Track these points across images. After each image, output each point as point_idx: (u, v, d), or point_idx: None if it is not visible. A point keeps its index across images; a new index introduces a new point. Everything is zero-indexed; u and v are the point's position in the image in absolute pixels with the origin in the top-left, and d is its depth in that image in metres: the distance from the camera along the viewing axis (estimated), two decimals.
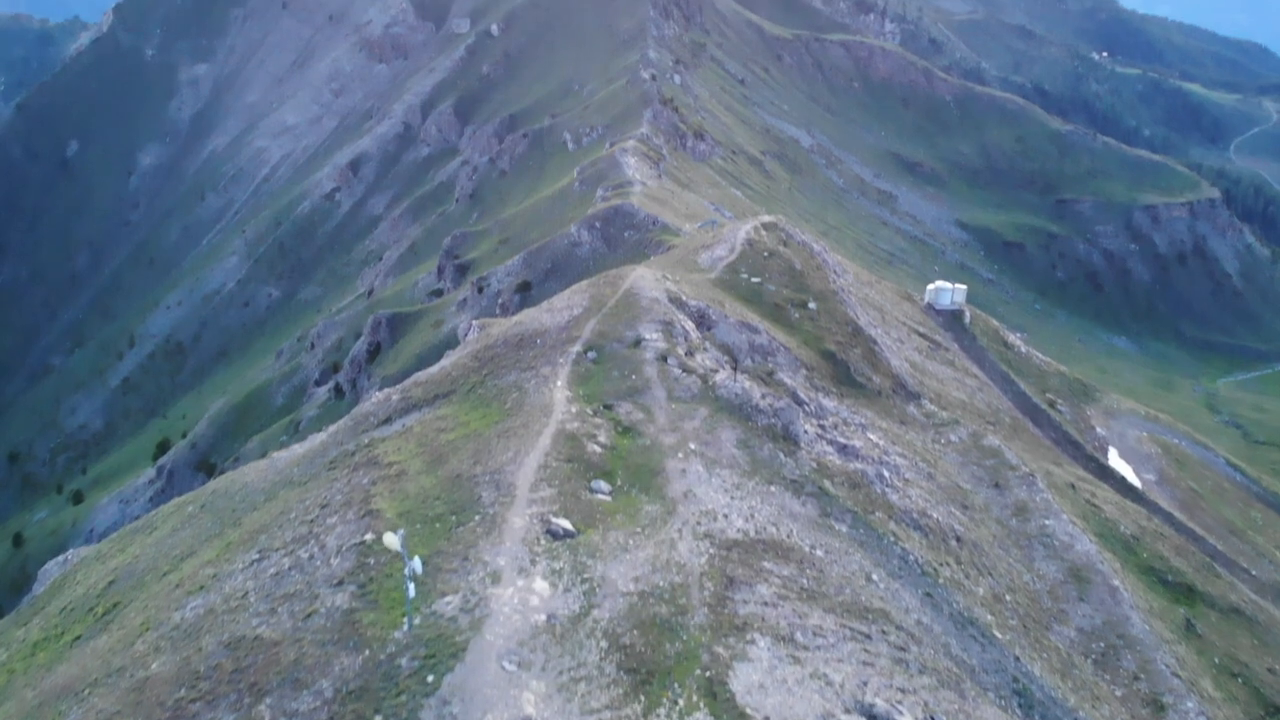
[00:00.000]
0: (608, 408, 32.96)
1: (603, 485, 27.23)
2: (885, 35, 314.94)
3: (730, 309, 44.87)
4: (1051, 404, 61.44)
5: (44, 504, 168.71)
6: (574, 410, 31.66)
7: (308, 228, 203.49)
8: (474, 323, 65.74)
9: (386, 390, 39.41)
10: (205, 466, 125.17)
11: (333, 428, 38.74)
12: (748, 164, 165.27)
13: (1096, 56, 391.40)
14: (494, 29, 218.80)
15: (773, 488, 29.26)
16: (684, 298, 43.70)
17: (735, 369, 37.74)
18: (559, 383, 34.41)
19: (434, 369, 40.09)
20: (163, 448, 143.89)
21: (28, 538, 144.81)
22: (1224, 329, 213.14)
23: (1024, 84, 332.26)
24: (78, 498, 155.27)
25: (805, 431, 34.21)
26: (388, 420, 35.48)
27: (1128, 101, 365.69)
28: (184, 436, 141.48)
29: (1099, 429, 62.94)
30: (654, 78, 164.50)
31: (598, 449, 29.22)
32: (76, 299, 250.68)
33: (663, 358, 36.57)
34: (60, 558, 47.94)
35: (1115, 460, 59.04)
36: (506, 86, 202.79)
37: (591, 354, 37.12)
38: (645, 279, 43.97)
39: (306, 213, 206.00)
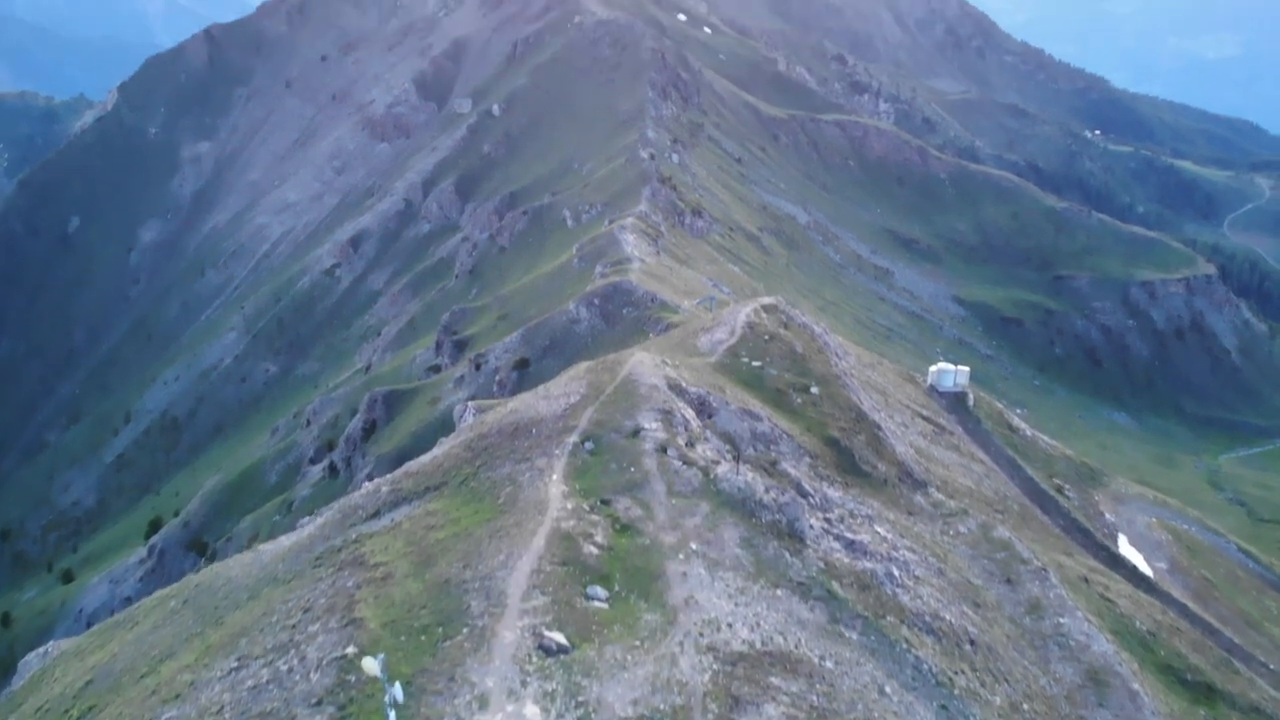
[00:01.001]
0: (605, 503, 31.62)
1: (599, 591, 25.81)
2: (879, 115, 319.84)
3: (731, 395, 43.87)
4: (1059, 489, 60.16)
5: (34, 582, 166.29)
6: (570, 507, 30.39)
7: (307, 303, 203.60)
8: (469, 404, 64.86)
9: (376, 481, 38.21)
10: (197, 546, 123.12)
11: (320, 519, 37.44)
12: (745, 240, 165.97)
13: (1089, 134, 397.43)
14: (495, 109, 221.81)
15: (779, 591, 27.94)
16: (684, 384, 42.70)
17: (738, 460, 36.61)
18: (554, 476, 33.17)
19: (425, 458, 38.91)
20: (155, 526, 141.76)
21: (16, 618, 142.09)
22: (1224, 404, 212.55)
23: (1018, 161, 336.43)
24: (68, 576, 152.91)
25: (811, 527, 32.95)
26: (376, 514, 34.22)
27: (1121, 178, 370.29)
28: (176, 514, 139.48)
29: (1108, 515, 61.57)
30: (652, 156, 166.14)
31: (594, 550, 27.90)
32: (74, 374, 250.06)
33: (662, 448, 35.43)
34: (41, 650, 46.53)
35: (1125, 548, 57.60)
36: (507, 164, 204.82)
37: (589, 444, 35.96)
38: (644, 364, 43.06)
39: (306, 288, 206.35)
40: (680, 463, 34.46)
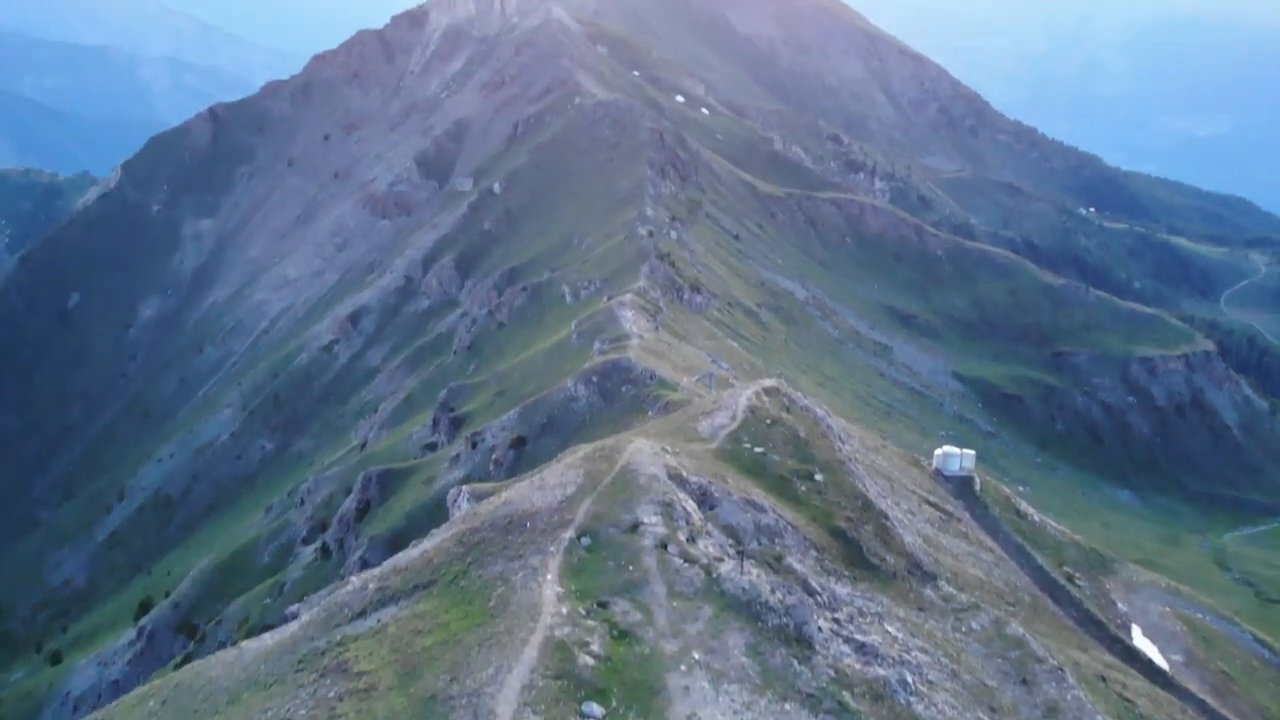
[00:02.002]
0: (602, 606, 30.12)
1: (595, 709, 24.25)
2: (875, 192, 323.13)
3: (734, 484, 42.52)
4: (1070, 578, 58.46)
5: (22, 663, 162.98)
6: (564, 611, 28.88)
7: (304, 380, 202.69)
8: (463, 490, 63.41)
9: (364, 577, 36.65)
10: (187, 629, 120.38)
11: (305, 618, 35.83)
12: (744, 316, 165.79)
13: (1084, 211, 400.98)
14: (496, 187, 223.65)
15: (788, 705, 26.37)
16: (684, 474, 41.37)
17: (741, 556, 35.17)
18: (549, 576, 31.65)
19: (414, 552, 37.42)
20: (145, 607, 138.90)
21: (3, 700, 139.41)
22: (1227, 482, 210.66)
23: (1014, 238, 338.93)
24: (56, 658, 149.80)
25: (820, 629, 31.43)
26: (363, 613, 32.65)
27: (1117, 255, 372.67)
28: (167, 595, 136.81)
29: (1120, 604, 59.78)
30: (651, 233, 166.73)
31: (590, 661, 26.37)
32: (68, 451, 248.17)
33: (663, 544, 33.99)
34: None
35: (1139, 639, 55.75)
36: (507, 241, 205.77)
37: (585, 540, 34.50)
38: (643, 452, 41.79)
39: (304, 365, 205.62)
40: (681, 560, 33.04)
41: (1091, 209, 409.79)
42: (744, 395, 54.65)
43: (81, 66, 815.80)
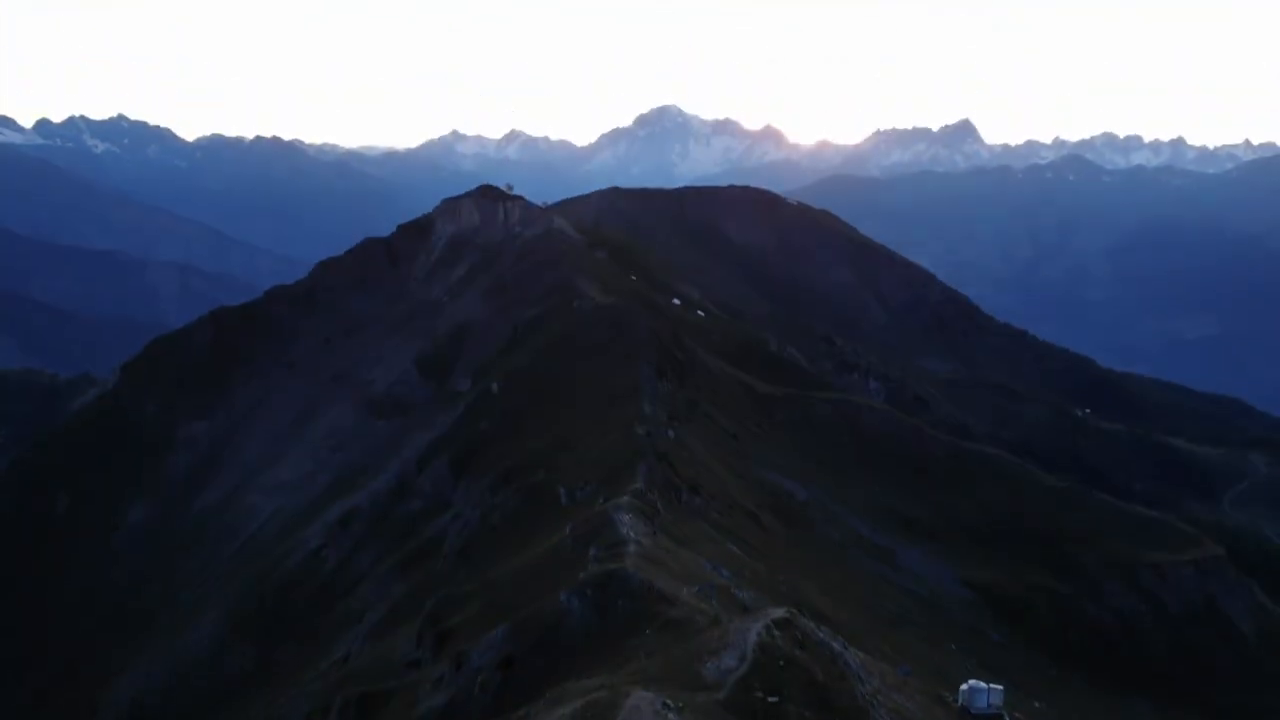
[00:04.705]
0: None
1: None
2: (870, 393, 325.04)
3: None
4: None
5: None
6: None
7: (290, 586, 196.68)
8: None
9: None
10: None
11: None
12: (744, 518, 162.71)
13: (1080, 413, 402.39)
14: (494, 387, 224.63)
15: None
16: None
17: None
18: None
19: None
20: None
21: None
22: (1248, 692, 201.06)
23: (1012, 439, 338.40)
24: None
25: None
26: None
27: (1117, 456, 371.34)
28: None
29: None
30: (649, 434, 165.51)
31: None
32: (45, 662, 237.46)
33: None
34: None
35: None
36: (503, 442, 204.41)
37: None
38: (642, 710, 38.27)
39: (290, 570, 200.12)
40: None
41: (1088, 410, 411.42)
42: (754, 630, 51.11)
43: (90, 270, 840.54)
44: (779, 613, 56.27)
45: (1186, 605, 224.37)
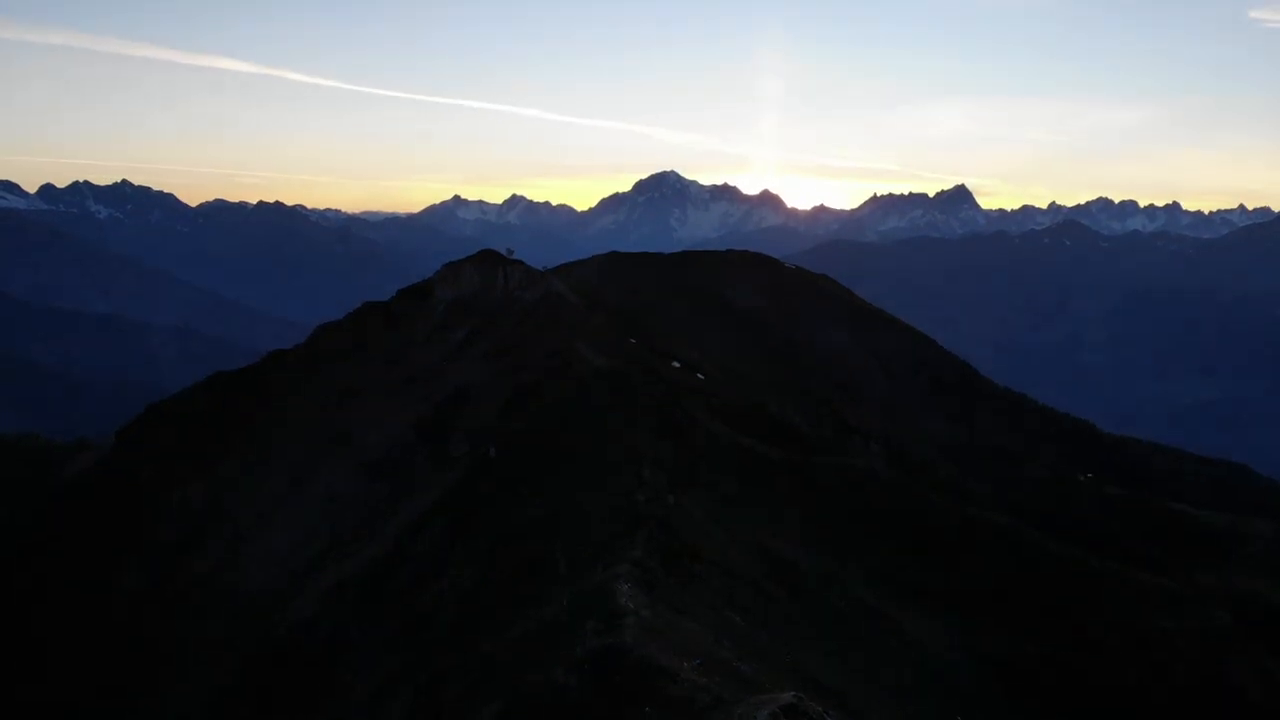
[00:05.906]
0: None
1: None
2: (872, 456, 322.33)
3: None
4: None
5: None
6: None
7: (281, 656, 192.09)
8: None
9: None
10: None
11: None
12: (745, 586, 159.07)
13: (1082, 478, 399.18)
14: (492, 450, 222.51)
15: None
16: None
17: None
18: None
19: None
20: None
21: None
22: None
23: (1015, 503, 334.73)
24: None
25: None
26: None
27: (1121, 521, 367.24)
28: None
29: None
30: (648, 500, 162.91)
31: None
32: None
33: None
34: None
35: None
36: (501, 506, 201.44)
37: None
38: None
39: (282, 639, 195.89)
40: None
41: (1089, 475, 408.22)
42: (763, 714, 48.76)
43: (90, 334, 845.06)
44: (786, 698, 53.82)
45: (1195, 673, 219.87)
